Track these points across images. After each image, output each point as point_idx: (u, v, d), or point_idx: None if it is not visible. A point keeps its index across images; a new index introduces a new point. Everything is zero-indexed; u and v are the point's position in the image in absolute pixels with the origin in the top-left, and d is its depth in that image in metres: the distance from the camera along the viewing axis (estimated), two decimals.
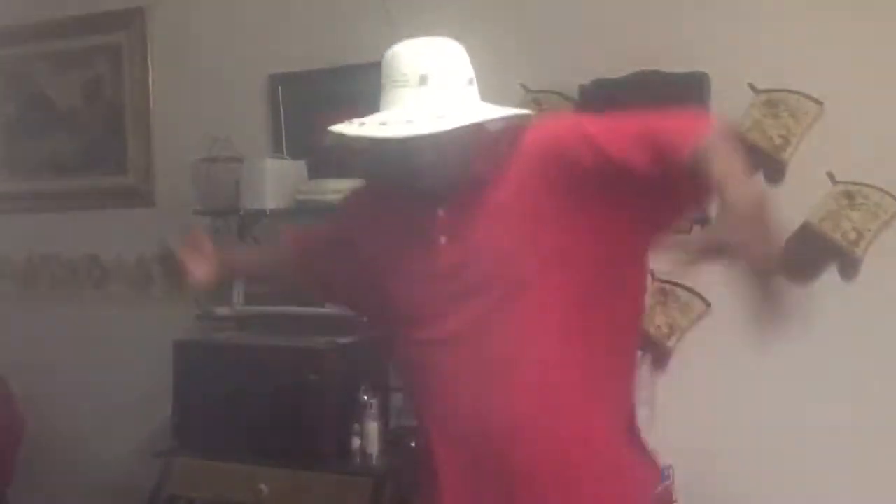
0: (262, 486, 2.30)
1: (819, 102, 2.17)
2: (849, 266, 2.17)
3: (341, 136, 1.45)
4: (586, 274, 1.35)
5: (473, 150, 1.40)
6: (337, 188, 2.48)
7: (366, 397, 2.33)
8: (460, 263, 1.38)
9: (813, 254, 2.19)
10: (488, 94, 2.58)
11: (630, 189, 1.29)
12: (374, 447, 2.31)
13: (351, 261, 1.58)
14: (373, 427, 2.32)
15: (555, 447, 1.38)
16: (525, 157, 1.39)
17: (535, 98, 2.46)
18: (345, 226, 1.64)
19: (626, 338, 1.48)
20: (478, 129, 1.39)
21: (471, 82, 1.45)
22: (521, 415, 1.38)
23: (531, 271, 1.35)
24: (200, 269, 1.67)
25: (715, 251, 1.13)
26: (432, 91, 1.37)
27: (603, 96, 2.34)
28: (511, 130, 1.44)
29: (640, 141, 1.28)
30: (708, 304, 2.29)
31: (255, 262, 1.98)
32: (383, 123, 1.36)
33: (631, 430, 1.52)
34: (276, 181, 2.55)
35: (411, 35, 2.53)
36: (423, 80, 1.38)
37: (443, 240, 1.41)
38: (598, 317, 1.38)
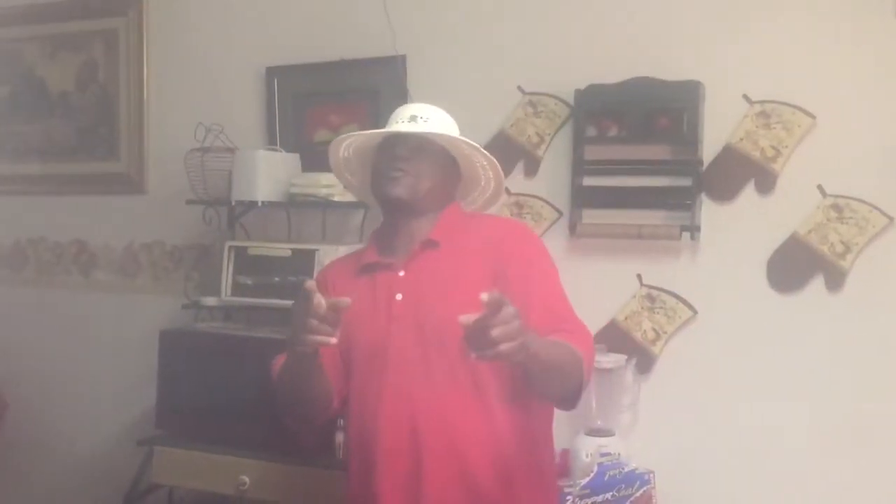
0: (244, 478, 2.30)
1: (812, 116, 2.19)
2: (835, 278, 2.19)
3: (336, 147, 1.84)
4: None
5: (439, 189, 1.71)
6: (329, 182, 2.49)
7: None
8: (413, 321, 1.64)
9: (799, 265, 2.21)
10: (485, 95, 2.61)
11: None
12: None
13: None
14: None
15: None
16: (485, 242, 1.68)
17: (531, 100, 2.47)
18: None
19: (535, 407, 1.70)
20: (449, 175, 1.75)
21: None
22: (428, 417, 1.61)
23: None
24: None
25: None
26: (418, 125, 1.73)
27: (597, 101, 2.35)
28: (479, 216, 1.85)
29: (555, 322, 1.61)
30: (694, 311, 2.31)
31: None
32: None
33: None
34: (268, 173, 2.55)
35: (408, 35, 2.60)
36: (412, 118, 1.76)
37: (399, 296, 1.67)
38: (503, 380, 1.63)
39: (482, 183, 1.86)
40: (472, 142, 1.76)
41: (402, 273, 1.70)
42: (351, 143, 1.82)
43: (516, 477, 1.64)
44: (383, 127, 1.81)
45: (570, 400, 1.63)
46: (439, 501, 1.61)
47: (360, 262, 1.79)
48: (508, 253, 1.67)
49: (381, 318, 1.68)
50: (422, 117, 1.75)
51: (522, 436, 1.65)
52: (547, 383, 1.57)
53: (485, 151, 1.78)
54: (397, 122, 1.78)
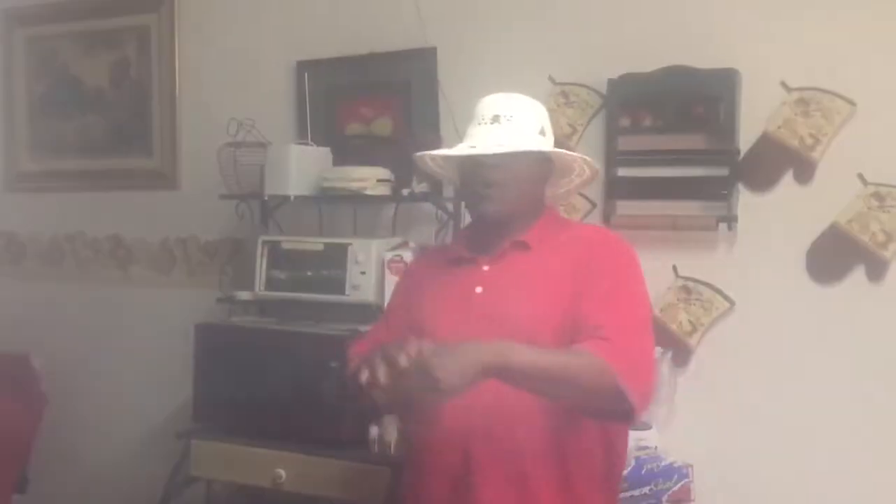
0: (280, 471, 2.32)
1: (852, 103, 2.15)
2: (876, 268, 2.15)
3: (423, 161, 1.79)
4: None
5: (532, 192, 1.67)
6: (361, 176, 2.49)
7: None
8: (489, 314, 1.60)
9: (840, 255, 2.17)
10: (516, 86, 2.57)
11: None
12: (392, 436, 2.32)
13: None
14: (391, 416, 2.32)
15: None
16: (576, 250, 1.63)
17: (563, 90, 2.44)
18: (405, 286, 1.86)
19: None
20: (540, 170, 1.68)
21: (542, 132, 1.68)
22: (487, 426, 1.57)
23: (535, 331, 1.54)
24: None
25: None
26: (502, 127, 1.65)
27: (631, 90, 2.33)
28: (574, 224, 1.86)
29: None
30: (731, 303, 2.28)
31: None
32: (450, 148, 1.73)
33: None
34: (300, 167, 2.55)
35: (438, 27, 2.57)
36: (495, 119, 1.66)
37: (479, 289, 1.64)
38: None
39: (576, 170, 1.77)
40: (549, 148, 1.68)
41: (486, 268, 1.67)
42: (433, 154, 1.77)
43: (577, 485, 1.58)
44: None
45: (617, 412, 1.49)
46: None
47: (446, 256, 1.78)
48: (594, 264, 1.60)
49: (458, 310, 1.64)
50: (505, 116, 1.65)
51: (590, 443, 1.59)
52: (550, 392, 1.47)
53: (569, 152, 1.73)
54: (480, 124, 1.67)
